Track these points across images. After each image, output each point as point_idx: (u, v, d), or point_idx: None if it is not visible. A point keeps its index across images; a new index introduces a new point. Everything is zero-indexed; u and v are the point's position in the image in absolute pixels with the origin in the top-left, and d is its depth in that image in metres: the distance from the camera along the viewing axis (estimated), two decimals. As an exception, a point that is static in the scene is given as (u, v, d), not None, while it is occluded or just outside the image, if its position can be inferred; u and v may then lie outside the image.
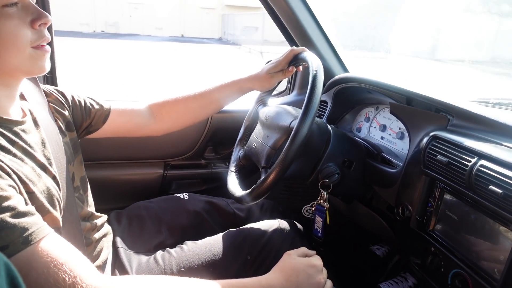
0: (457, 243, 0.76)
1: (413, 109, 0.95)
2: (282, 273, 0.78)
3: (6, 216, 0.54)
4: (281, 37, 1.48)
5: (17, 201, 0.58)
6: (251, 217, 1.24)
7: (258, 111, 1.18)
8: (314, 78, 0.86)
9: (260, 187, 0.88)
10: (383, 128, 1.17)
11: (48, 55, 0.73)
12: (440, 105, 0.88)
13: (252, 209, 1.26)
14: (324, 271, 0.83)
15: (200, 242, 1.00)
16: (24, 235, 0.55)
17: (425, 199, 0.84)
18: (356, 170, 1.03)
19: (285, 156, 0.81)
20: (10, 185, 0.59)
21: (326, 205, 1.00)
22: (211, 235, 1.16)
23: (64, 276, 0.55)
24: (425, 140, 0.84)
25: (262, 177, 0.91)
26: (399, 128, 1.11)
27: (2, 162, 0.61)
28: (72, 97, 0.96)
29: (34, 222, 0.57)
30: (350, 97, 1.31)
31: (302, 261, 0.81)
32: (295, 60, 1.05)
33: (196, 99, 1.15)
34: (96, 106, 1.01)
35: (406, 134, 1.07)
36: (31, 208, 0.61)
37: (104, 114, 1.02)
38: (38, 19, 0.68)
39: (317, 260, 0.83)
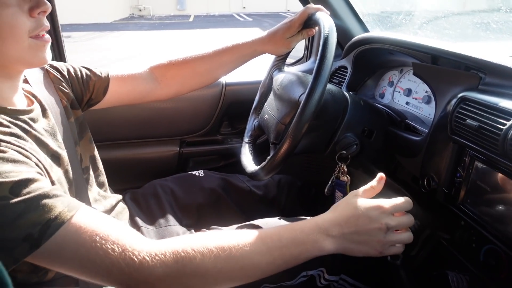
0: (490, 217, 0.68)
1: (439, 69, 0.84)
2: (342, 214, 0.66)
3: (40, 196, 0.54)
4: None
5: (47, 182, 0.59)
6: (268, 194, 1.20)
7: (273, 76, 1.10)
8: (324, 45, 0.77)
9: (271, 162, 0.82)
10: (408, 92, 1.07)
11: (49, 45, 0.69)
12: (471, 62, 0.77)
13: (269, 186, 1.21)
14: (405, 218, 0.67)
15: (226, 229, 0.96)
16: (61, 209, 0.55)
17: (453, 169, 0.75)
18: (377, 140, 0.94)
19: (293, 132, 0.74)
20: (38, 172, 0.59)
21: (346, 178, 0.93)
22: (228, 213, 1.14)
23: (113, 246, 0.54)
24: (452, 102, 0.74)
25: (271, 153, 0.85)
26: (426, 92, 1.01)
27: (26, 150, 0.61)
28: (68, 70, 0.91)
29: (67, 198, 0.57)
30: (372, 60, 1.20)
31: (365, 202, 0.67)
32: (309, 21, 0.95)
33: (204, 62, 1.05)
34: (94, 77, 0.95)
35: (433, 97, 0.97)
36: (59, 188, 0.61)
37: (103, 86, 0.97)
38: (36, 7, 0.64)
39: (386, 202, 0.66)
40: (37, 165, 0.61)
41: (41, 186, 0.55)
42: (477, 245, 0.71)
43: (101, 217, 0.59)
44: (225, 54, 1.04)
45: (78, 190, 0.77)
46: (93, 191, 0.87)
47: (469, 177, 0.72)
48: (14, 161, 0.56)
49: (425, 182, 0.81)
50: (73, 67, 0.93)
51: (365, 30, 1.32)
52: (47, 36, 0.68)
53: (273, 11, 18.71)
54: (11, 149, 0.58)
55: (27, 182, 0.54)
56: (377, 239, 0.65)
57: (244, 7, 19.49)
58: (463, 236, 0.75)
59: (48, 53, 0.69)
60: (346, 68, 1.27)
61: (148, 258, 0.54)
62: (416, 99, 1.05)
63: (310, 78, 0.97)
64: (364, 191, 0.70)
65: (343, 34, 1.30)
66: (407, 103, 1.08)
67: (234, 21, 15.89)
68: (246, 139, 1.12)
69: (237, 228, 0.97)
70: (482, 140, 0.66)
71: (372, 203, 0.66)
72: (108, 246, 0.54)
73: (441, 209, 0.79)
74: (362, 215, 0.65)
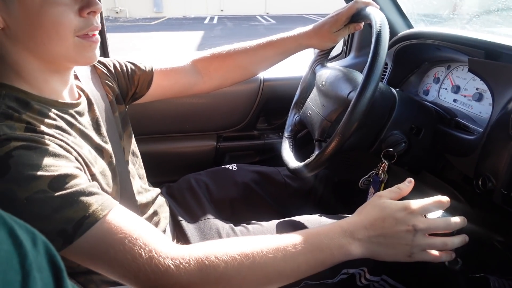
0: (554, 221, 0.65)
1: (498, 65, 0.81)
2: (367, 216, 0.64)
3: (77, 192, 0.55)
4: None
5: (85, 179, 0.59)
6: (303, 187, 1.19)
7: (315, 71, 1.08)
8: (377, 41, 0.74)
9: (317, 160, 0.81)
10: (456, 89, 1.03)
11: (97, 45, 0.69)
12: None
13: (306, 179, 1.20)
14: (440, 221, 0.62)
15: (266, 224, 0.96)
16: (94, 207, 0.55)
17: (513, 169, 0.72)
18: (426, 138, 0.92)
19: (342, 130, 0.73)
20: (77, 167, 0.60)
21: (383, 176, 0.91)
22: (262, 207, 1.14)
23: (140, 251, 0.54)
24: (514, 100, 0.71)
25: (316, 151, 0.84)
26: (476, 89, 0.97)
27: (68, 144, 0.62)
28: (114, 66, 0.93)
29: (102, 196, 0.58)
30: (414, 55, 1.17)
31: (391, 203, 0.64)
32: (357, 15, 0.91)
33: (248, 55, 1.04)
34: (138, 72, 0.96)
35: (485, 95, 0.93)
36: (96, 184, 0.62)
37: (147, 79, 0.97)
38: (86, 7, 0.63)
39: (413, 202, 0.64)
40: (77, 159, 0.62)
41: (78, 182, 0.56)
42: (538, 249, 0.68)
43: (132, 218, 0.59)
44: (269, 48, 1.03)
45: (123, 182, 0.78)
46: (136, 183, 0.89)
47: (531, 178, 0.69)
48: (55, 155, 0.57)
49: (480, 183, 0.78)
50: (119, 62, 0.94)
51: (409, 25, 1.28)
52: (97, 37, 0.68)
53: (251, 13, 18.16)
54: (54, 142, 0.59)
55: (65, 177, 0.55)
56: (405, 242, 0.62)
57: (222, 10, 19.03)
58: (521, 240, 0.72)
59: (96, 53, 0.69)
60: (387, 64, 1.24)
61: (173, 266, 0.55)
62: (465, 96, 1.01)
63: (357, 74, 0.96)
64: (390, 191, 0.68)
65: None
66: (454, 100, 1.04)
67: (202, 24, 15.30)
68: (286, 134, 1.11)
69: (278, 224, 0.96)
70: (549, 140, 0.63)
71: (398, 204, 0.64)
72: (136, 250, 0.54)
73: (497, 210, 0.76)
74: (388, 217, 0.63)
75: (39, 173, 0.53)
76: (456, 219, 0.63)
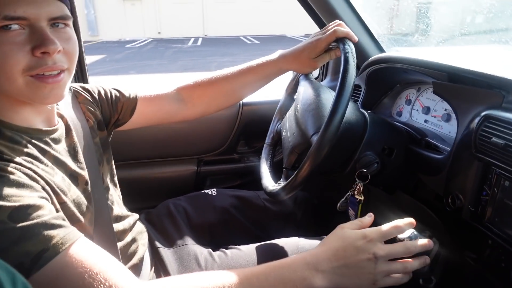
0: (519, 236, 0.67)
1: (460, 87, 0.85)
2: (330, 247, 0.65)
3: (38, 224, 0.53)
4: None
5: (49, 210, 0.57)
6: (283, 211, 1.20)
7: (299, 81, 1.08)
8: (345, 70, 0.76)
9: (292, 183, 0.83)
10: (427, 110, 1.07)
11: (54, 86, 0.64)
12: (492, 80, 0.78)
13: (285, 202, 1.21)
14: (398, 246, 0.64)
15: (244, 248, 0.96)
16: (55, 240, 0.54)
17: (478, 187, 0.74)
18: (398, 158, 0.94)
19: (314, 155, 0.75)
20: (42, 197, 0.58)
21: (359, 197, 0.93)
22: (241, 231, 1.14)
23: (99, 286, 0.53)
24: (476, 121, 0.75)
25: (282, 180, 0.87)
26: (445, 110, 1.01)
27: (36, 173, 0.61)
28: (99, 92, 0.93)
29: (65, 229, 0.57)
30: (386, 78, 1.21)
31: (351, 232, 0.66)
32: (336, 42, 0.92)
33: (229, 81, 1.05)
34: (122, 99, 0.96)
35: (453, 115, 0.97)
36: (61, 215, 0.60)
37: (131, 106, 0.98)
38: (39, 47, 0.60)
39: (371, 230, 0.65)
40: (44, 188, 0.60)
41: (41, 213, 0.55)
42: (507, 264, 0.70)
43: (95, 252, 0.58)
44: (249, 73, 1.04)
45: (99, 209, 0.77)
46: (114, 210, 0.88)
47: (496, 195, 0.71)
48: (19, 184, 0.56)
49: (450, 201, 0.81)
50: (103, 88, 0.95)
51: (381, 49, 1.33)
52: (57, 78, 0.64)
53: (190, 35, 18.22)
54: (20, 171, 0.58)
55: (27, 208, 0.54)
56: (367, 271, 0.63)
57: (159, 32, 18.92)
58: (491, 255, 0.74)
59: (54, 93, 0.65)
60: (360, 87, 1.28)
61: None
62: (435, 117, 1.05)
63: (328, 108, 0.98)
64: (352, 223, 0.70)
65: (359, 54, 1.31)
66: (425, 121, 1.08)
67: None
68: (267, 140, 1.14)
69: (256, 247, 0.96)
70: (509, 158, 0.66)
71: (357, 233, 0.66)
72: (95, 285, 0.53)
73: (467, 227, 0.78)
74: (349, 246, 0.64)
75: (0, 203, 0.52)
76: (416, 243, 0.65)
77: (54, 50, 0.61)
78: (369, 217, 0.71)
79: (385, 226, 0.66)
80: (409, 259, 0.65)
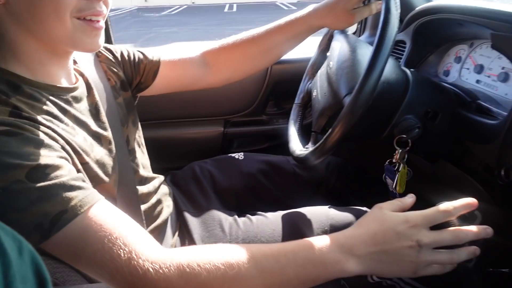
0: None
1: None
2: (367, 229, 0.59)
3: (56, 185, 0.53)
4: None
5: (68, 170, 0.56)
6: (314, 178, 1.14)
7: (333, 35, 0.99)
8: (386, 18, 0.67)
9: (321, 148, 0.76)
10: (480, 69, 0.94)
11: (99, 32, 0.66)
12: None
13: (316, 168, 1.14)
14: (447, 234, 0.57)
15: (270, 216, 0.92)
16: (74, 202, 0.52)
17: (540, 158, 0.64)
18: (443, 123, 0.84)
19: (345, 119, 0.68)
20: (61, 157, 0.56)
21: (400, 165, 0.84)
22: (269, 197, 1.10)
23: (119, 251, 0.52)
24: (544, 80, 0.63)
25: (310, 144, 0.82)
26: (502, 68, 0.88)
27: (55, 132, 0.59)
28: (121, 52, 0.90)
29: (85, 190, 0.55)
30: (435, 33, 1.07)
31: (392, 215, 0.60)
32: None
33: (257, 43, 0.98)
34: (145, 61, 0.93)
35: (512, 74, 0.84)
36: (81, 176, 0.58)
37: (153, 69, 0.94)
38: None
39: (415, 214, 0.58)
40: (63, 148, 0.59)
41: (59, 173, 0.54)
42: None
43: (115, 215, 0.57)
44: (277, 33, 0.96)
45: (123, 170, 0.75)
46: (139, 172, 0.86)
47: (562, 169, 0.61)
48: (38, 143, 0.54)
49: (503, 173, 0.71)
50: (127, 50, 0.92)
51: (428, -1, 1.18)
52: (100, 23, 0.65)
53: (176, 3, 17.26)
54: (39, 129, 0.56)
55: (46, 167, 0.52)
56: (409, 259, 0.56)
57: (146, 0, 18.18)
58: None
59: (98, 41, 0.66)
60: (405, 43, 1.15)
61: (152, 270, 0.52)
62: (489, 76, 0.92)
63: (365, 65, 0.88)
64: (391, 203, 0.62)
65: (403, 4, 1.17)
66: (477, 81, 0.95)
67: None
68: (297, 100, 1.07)
69: (283, 215, 0.92)
70: None
71: (399, 216, 0.58)
72: (115, 250, 0.52)
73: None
74: (389, 230, 0.57)
75: (18, 161, 0.51)
76: (467, 231, 0.57)
77: None
78: (411, 198, 0.64)
79: (431, 210, 0.58)
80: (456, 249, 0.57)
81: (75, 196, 0.53)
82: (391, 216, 0.59)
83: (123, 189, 0.75)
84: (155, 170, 0.97)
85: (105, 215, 0.55)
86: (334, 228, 0.85)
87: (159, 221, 0.87)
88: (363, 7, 0.87)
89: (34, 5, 0.58)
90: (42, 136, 0.56)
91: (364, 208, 0.93)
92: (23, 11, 0.59)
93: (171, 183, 1.07)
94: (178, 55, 0.98)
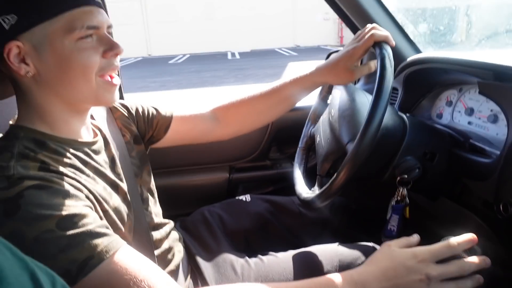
0: None
1: (509, 86, 0.79)
2: (378, 266, 0.63)
3: (84, 233, 0.55)
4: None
5: (93, 218, 0.59)
6: (319, 217, 1.17)
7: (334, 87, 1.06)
8: (382, 74, 0.73)
9: (327, 191, 0.80)
10: (470, 111, 1.01)
11: (116, 88, 0.72)
12: None
13: (321, 208, 1.17)
14: (453, 266, 0.61)
15: (281, 255, 0.94)
16: (100, 248, 0.55)
17: (534, 192, 0.69)
18: (440, 162, 0.89)
19: (350, 161, 0.72)
20: (86, 206, 0.60)
21: (405, 202, 0.88)
22: (277, 237, 1.12)
23: None
24: (530, 121, 0.69)
25: (316, 187, 0.85)
26: (491, 110, 0.95)
27: (80, 182, 0.63)
28: (136, 109, 0.96)
29: (109, 237, 0.58)
30: (424, 80, 1.16)
31: (401, 252, 0.64)
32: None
33: (264, 99, 1.03)
34: (158, 116, 0.99)
35: (500, 116, 0.91)
36: (105, 223, 0.62)
37: (165, 124, 1.00)
38: (110, 49, 0.68)
39: (422, 249, 0.63)
40: (87, 197, 0.63)
41: (86, 222, 0.57)
42: None
43: (139, 259, 0.59)
44: (283, 90, 1.01)
45: (137, 217, 0.79)
46: (151, 219, 0.89)
47: (555, 202, 0.66)
48: (65, 194, 0.58)
49: (501, 208, 0.75)
50: (142, 106, 0.97)
51: (417, 50, 1.28)
52: (116, 79, 0.71)
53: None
54: (66, 181, 0.60)
55: (73, 217, 0.56)
56: None
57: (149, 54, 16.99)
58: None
59: (115, 95, 0.72)
60: (397, 89, 1.23)
61: None
62: (480, 118, 0.99)
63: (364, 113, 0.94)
64: (398, 241, 0.67)
65: (395, 55, 1.27)
66: (469, 122, 1.02)
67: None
68: (300, 144, 1.12)
69: (294, 255, 0.94)
70: None
71: (408, 252, 0.63)
72: None
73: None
74: (398, 265, 0.61)
75: (48, 212, 0.54)
76: (471, 262, 0.61)
77: (121, 51, 0.69)
78: (416, 237, 0.69)
79: (437, 245, 0.63)
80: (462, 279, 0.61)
81: (101, 242, 0.56)
82: (400, 252, 0.64)
83: (138, 235, 0.77)
84: (164, 216, 0.99)
85: (129, 259, 0.58)
86: (343, 264, 0.88)
87: (171, 266, 0.89)
88: (362, 66, 0.93)
89: (64, 71, 0.64)
90: (68, 187, 0.60)
91: (371, 244, 0.96)
92: (53, 79, 0.65)
93: (180, 229, 1.09)
94: (189, 111, 1.04)
